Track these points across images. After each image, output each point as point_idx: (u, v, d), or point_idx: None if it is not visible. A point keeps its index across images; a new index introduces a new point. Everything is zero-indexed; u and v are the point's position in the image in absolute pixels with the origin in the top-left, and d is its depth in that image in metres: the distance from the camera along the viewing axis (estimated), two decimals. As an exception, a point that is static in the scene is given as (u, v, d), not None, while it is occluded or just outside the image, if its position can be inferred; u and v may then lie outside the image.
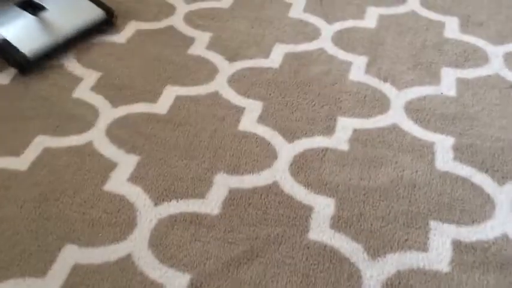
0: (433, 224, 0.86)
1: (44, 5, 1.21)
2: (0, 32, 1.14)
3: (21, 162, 0.94)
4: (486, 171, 0.95)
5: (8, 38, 1.13)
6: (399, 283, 0.78)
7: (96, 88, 1.11)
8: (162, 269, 0.79)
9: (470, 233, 0.85)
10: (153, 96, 1.09)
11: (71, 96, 1.08)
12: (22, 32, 1.16)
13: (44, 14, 1.19)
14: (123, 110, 1.06)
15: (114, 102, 1.07)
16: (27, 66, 1.12)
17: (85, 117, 1.03)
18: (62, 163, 0.94)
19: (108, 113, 1.05)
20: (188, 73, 1.15)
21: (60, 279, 0.77)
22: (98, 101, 1.07)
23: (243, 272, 0.79)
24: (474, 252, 0.82)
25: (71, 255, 0.80)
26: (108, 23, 1.25)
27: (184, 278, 0.78)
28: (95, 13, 1.24)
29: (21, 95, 1.08)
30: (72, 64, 1.16)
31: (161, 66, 1.16)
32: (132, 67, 1.16)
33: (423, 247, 0.83)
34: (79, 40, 1.20)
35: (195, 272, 0.78)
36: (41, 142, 0.98)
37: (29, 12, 1.19)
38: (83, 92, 1.09)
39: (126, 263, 0.79)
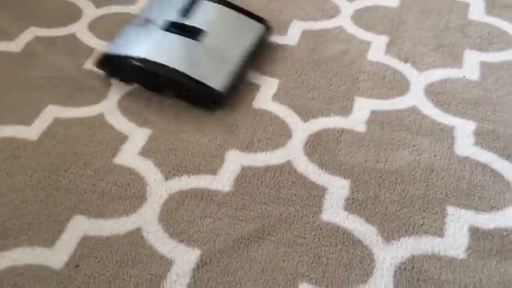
0: (450, 209, 0.84)
1: (199, 26, 1.03)
2: (184, 68, 0.96)
3: (31, 132, 0.93)
4: (507, 158, 0.92)
5: (194, 75, 0.96)
6: (413, 268, 0.76)
7: (109, 60, 1.08)
8: (172, 244, 0.78)
9: (488, 220, 0.82)
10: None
11: (83, 67, 1.07)
12: (200, 63, 0.99)
13: (207, 38, 1.02)
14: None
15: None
16: (222, 101, 0.98)
17: (97, 89, 1.02)
18: (73, 134, 0.93)
19: (120, 86, 1.03)
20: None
21: (69, 250, 0.76)
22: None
23: (253, 250, 0.77)
24: (492, 240, 0.80)
25: (80, 227, 0.79)
26: (268, 35, 1.11)
27: (194, 254, 0.77)
28: (256, 28, 1.09)
29: (32, 64, 1.07)
30: (84, 34, 1.14)
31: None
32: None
33: (439, 232, 0.81)
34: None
35: (204, 248, 0.77)
36: (52, 112, 0.97)
37: (188, 37, 1.02)
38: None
39: (135, 237, 0.78)
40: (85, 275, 0.74)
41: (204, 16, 1.06)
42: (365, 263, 0.77)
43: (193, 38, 1.01)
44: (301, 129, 0.96)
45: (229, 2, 1.10)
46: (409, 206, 0.84)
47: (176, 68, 0.96)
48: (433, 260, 0.77)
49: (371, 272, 0.75)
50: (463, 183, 0.88)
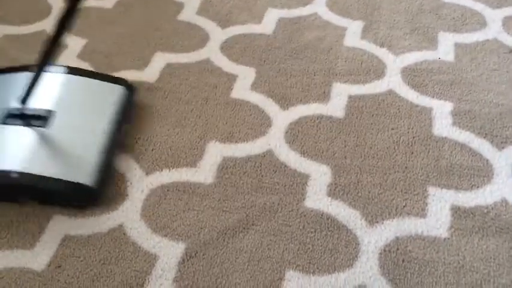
0: (431, 189, 0.85)
1: (44, 108, 0.83)
2: (36, 169, 0.77)
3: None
4: (485, 137, 0.93)
5: (52, 174, 0.77)
6: (397, 249, 0.77)
7: (82, 55, 1.06)
8: (155, 239, 0.77)
9: (469, 198, 0.84)
10: (141, 64, 1.05)
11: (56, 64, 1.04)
12: (54, 156, 0.79)
13: (56, 120, 0.83)
14: (110, 78, 1.01)
15: (101, 71, 1.03)
16: (97, 197, 0.81)
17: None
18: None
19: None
20: (178, 40, 1.11)
21: (50, 251, 0.75)
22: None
23: (238, 240, 0.77)
24: (473, 218, 0.81)
25: (60, 226, 0.77)
26: (132, 96, 0.94)
27: (179, 248, 0.76)
28: (116, 92, 0.90)
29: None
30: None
31: (150, 33, 1.12)
32: (119, 34, 1.12)
33: (421, 213, 0.81)
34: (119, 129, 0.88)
35: (189, 241, 0.76)
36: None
37: (32, 126, 0.82)
38: (69, 60, 1.05)
39: (117, 234, 0.77)
40: (68, 275, 0.72)
41: (49, 93, 0.86)
42: (350, 247, 0.77)
43: (39, 126, 0.82)
44: (281, 118, 0.95)
45: (77, 69, 0.93)
46: (391, 189, 0.85)
47: (24, 170, 0.76)
48: (416, 240, 0.78)
49: (356, 256, 0.76)
50: (442, 163, 0.89)
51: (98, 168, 0.80)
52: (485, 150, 0.91)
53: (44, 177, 0.77)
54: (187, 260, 0.74)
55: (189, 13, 1.18)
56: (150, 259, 0.74)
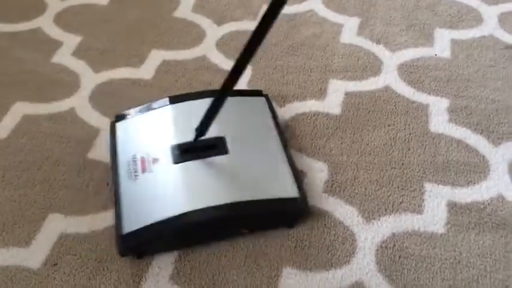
0: (427, 186, 0.85)
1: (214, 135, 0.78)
2: (243, 195, 0.73)
3: None
4: (481, 133, 0.93)
5: (263, 195, 0.74)
6: (394, 245, 0.77)
7: (77, 53, 1.05)
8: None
9: (466, 194, 0.84)
10: (137, 61, 1.04)
11: (50, 61, 1.03)
12: (253, 178, 0.76)
13: (232, 143, 0.79)
14: (106, 76, 1.01)
15: (96, 68, 1.02)
16: (306, 206, 0.78)
17: (66, 83, 0.99)
18: (43, 130, 0.90)
19: (90, 79, 1.00)
20: (174, 37, 1.10)
21: (46, 249, 0.74)
22: (79, 66, 1.02)
23: (235, 237, 0.77)
24: (469, 213, 0.81)
25: (56, 225, 0.77)
26: (272, 105, 0.90)
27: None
28: (263, 104, 0.89)
29: (-3, 61, 1.03)
30: (50, 28, 1.10)
31: (145, 30, 1.11)
32: (115, 31, 1.11)
33: (418, 209, 0.81)
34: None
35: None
36: (20, 109, 0.93)
37: (212, 155, 0.77)
38: (63, 57, 1.04)
39: (114, 231, 0.77)
40: (64, 273, 0.72)
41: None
42: (347, 243, 0.77)
43: (218, 154, 0.78)
44: (278, 115, 0.95)
45: (214, 91, 0.83)
46: (388, 185, 0.85)
47: (234, 201, 0.72)
48: (413, 236, 0.78)
49: (353, 253, 0.76)
50: (439, 160, 0.89)
51: (293, 179, 0.77)
52: (481, 146, 0.91)
53: (256, 201, 0.73)
54: (184, 258, 0.74)
55: (184, 10, 1.17)
56: (147, 256, 0.74)
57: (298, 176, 0.80)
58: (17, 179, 0.83)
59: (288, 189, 0.76)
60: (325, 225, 0.79)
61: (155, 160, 0.77)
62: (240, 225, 0.75)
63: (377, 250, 0.76)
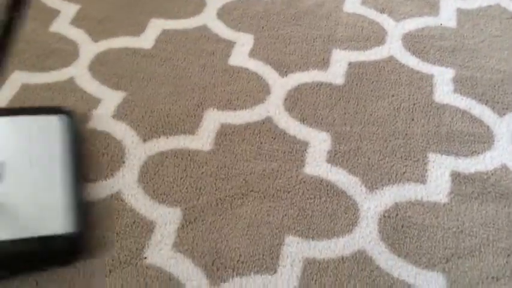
0: (431, 156, 0.84)
1: None
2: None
3: (-2, 100, 0.89)
4: (486, 103, 0.92)
5: (19, 234, 0.66)
6: (397, 215, 0.77)
7: (75, 21, 1.03)
8: (153, 205, 0.76)
9: (469, 165, 0.83)
10: (136, 30, 1.02)
11: (49, 30, 1.01)
12: (16, 211, 0.68)
13: (7, 169, 0.72)
14: (105, 45, 0.99)
15: (95, 37, 1.00)
16: (82, 242, 0.70)
17: (65, 52, 0.97)
18: (42, 99, 0.89)
19: (89, 48, 0.98)
20: (174, 6, 1.08)
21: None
22: (77, 35, 1.01)
23: (237, 206, 0.76)
24: (473, 183, 0.81)
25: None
26: (74, 124, 0.82)
27: (177, 214, 0.75)
28: (58, 125, 0.79)
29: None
30: (48, -4, 1.08)
31: (144, -1, 1.09)
32: (114, -1, 1.09)
33: (421, 179, 0.81)
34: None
35: (188, 207, 0.76)
36: (19, 78, 0.92)
37: None
38: (62, 26, 1.02)
39: (115, 201, 0.76)
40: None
41: None
42: (350, 212, 0.77)
43: None
44: (280, 85, 0.94)
45: (6, 109, 0.79)
46: (391, 155, 0.84)
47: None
48: (416, 206, 0.78)
49: (356, 222, 0.76)
50: (443, 130, 0.88)
51: (71, 212, 0.69)
52: (486, 116, 0.90)
53: (14, 241, 0.65)
54: (187, 226, 0.74)
55: (185, -22, 1.14)
56: (149, 225, 0.74)
57: (81, 208, 0.71)
58: (16, 148, 0.82)
59: (57, 224, 0.67)
60: (327, 194, 0.79)
61: None
62: (3, 267, 0.66)
63: (380, 219, 0.76)
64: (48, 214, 0.68)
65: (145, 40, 1.01)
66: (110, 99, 0.90)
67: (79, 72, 0.94)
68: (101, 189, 0.77)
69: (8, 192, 0.69)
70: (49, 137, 0.76)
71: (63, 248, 0.68)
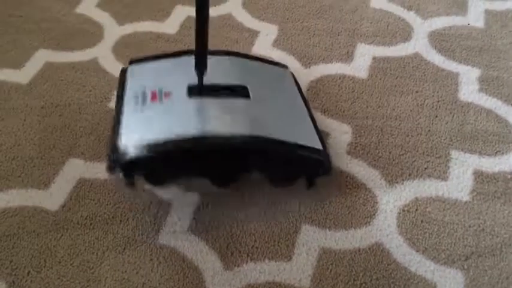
0: (454, 153, 0.82)
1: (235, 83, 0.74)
2: (267, 132, 0.68)
3: (22, 75, 0.89)
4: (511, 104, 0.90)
5: (289, 139, 0.69)
6: (416, 210, 0.75)
7: (102, 5, 1.04)
8: (171, 187, 0.75)
9: (493, 164, 0.81)
10: (161, 15, 1.03)
11: (75, 11, 1.02)
12: (276, 124, 0.71)
13: (254, 93, 0.74)
14: (129, 28, 0.99)
15: (120, 20, 1.01)
16: (331, 165, 0.75)
17: (89, 34, 0.98)
18: (65, 78, 0.89)
19: (114, 30, 0.99)
20: (199, -7, 1.08)
21: (64, 192, 0.74)
22: (103, 17, 1.01)
23: (255, 192, 0.75)
24: (496, 183, 0.79)
25: (76, 169, 0.77)
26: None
27: (194, 197, 0.74)
28: (286, 74, 0.85)
29: (22, 8, 1.02)
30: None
31: (171, -15, 1.09)
32: (140, -15, 1.09)
33: (443, 176, 0.79)
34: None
35: (204, 191, 0.75)
36: (43, 56, 0.93)
37: (236, 97, 0.73)
38: (88, 8, 1.03)
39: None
40: (81, 216, 0.72)
41: (229, 72, 0.76)
42: (368, 205, 0.75)
43: (238, 97, 0.72)
44: (303, 75, 0.93)
45: (244, 54, 0.85)
46: (413, 151, 0.83)
47: (254, 133, 0.66)
48: (436, 202, 0.76)
49: (374, 214, 0.74)
50: (467, 128, 0.86)
51: (317, 135, 0.73)
52: (511, 117, 0.88)
53: (278, 140, 0.66)
54: (203, 209, 0.73)
55: (211, -32, 1.14)
56: (166, 206, 0.73)
57: (322, 134, 0.77)
58: (38, 124, 0.82)
59: (311, 139, 0.71)
60: (346, 185, 0.77)
61: (168, 94, 0.70)
62: (257, 163, 0.68)
63: (399, 213, 0.75)
64: (301, 131, 0.72)
65: (170, 25, 1.01)
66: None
67: (103, 54, 0.94)
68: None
69: (259, 106, 0.72)
70: (285, 81, 0.83)
71: (317, 160, 0.71)
